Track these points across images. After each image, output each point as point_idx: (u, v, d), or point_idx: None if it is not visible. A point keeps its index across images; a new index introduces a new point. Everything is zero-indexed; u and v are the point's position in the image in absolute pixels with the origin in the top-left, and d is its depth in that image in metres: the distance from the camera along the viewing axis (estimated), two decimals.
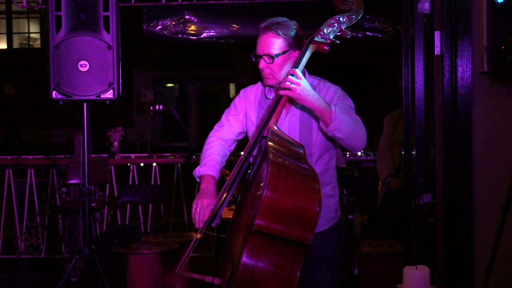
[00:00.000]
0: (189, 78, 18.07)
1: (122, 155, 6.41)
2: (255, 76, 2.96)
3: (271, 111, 2.55)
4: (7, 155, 6.44)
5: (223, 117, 2.89)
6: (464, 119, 3.50)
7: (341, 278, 3.61)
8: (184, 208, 6.34)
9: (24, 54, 21.39)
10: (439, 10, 3.53)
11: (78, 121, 5.45)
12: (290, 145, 2.49)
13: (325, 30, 2.58)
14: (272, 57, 2.64)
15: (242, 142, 2.88)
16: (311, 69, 2.74)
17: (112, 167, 6.23)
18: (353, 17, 2.60)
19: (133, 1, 5.68)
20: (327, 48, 2.59)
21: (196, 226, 2.60)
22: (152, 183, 6.37)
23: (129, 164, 6.43)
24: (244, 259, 2.26)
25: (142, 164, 6.72)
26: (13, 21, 21.98)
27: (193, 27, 6.64)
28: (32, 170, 6.16)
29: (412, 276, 2.41)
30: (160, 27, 6.65)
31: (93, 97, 2.98)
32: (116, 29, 2.97)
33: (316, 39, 2.59)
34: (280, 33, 2.64)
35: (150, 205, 6.28)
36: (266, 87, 2.78)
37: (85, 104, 3.06)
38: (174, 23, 6.63)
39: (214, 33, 6.69)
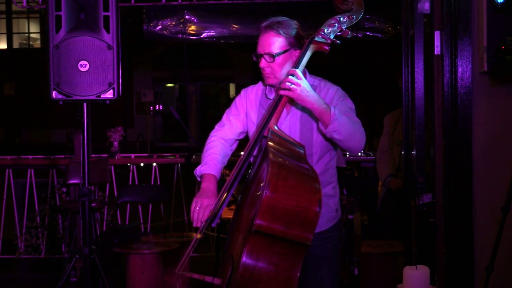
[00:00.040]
0: (189, 78, 18.06)
1: (122, 155, 6.41)
2: (255, 76, 2.96)
3: (272, 111, 2.55)
4: (7, 155, 6.43)
5: (224, 116, 2.88)
6: (464, 119, 3.50)
7: (341, 278, 3.61)
8: (184, 208, 6.32)
9: (24, 54, 21.37)
10: (439, 10, 3.53)
11: (78, 121, 5.45)
12: (291, 145, 2.49)
13: (325, 30, 2.58)
14: (273, 56, 2.64)
15: (242, 142, 2.88)
16: (312, 69, 2.74)
17: (112, 167, 6.23)
18: (353, 17, 2.60)
19: (133, 1, 5.67)
20: (327, 48, 2.59)
21: (194, 225, 2.60)
22: (152, 183, 6.36)
23: (129, 164, 6.42)
24: (244, 259, 2.26)
25: (142, 164, 6.72)
26: (13, 21, 21.96)
27: (193, 27, 6.65)
28: (32, 170, 6.15)
29: (412, 276, 2.41)
30: (160, 27, 6.65)
31: (93, 97, 2.98)
32: (116, 29, 2.97)
33: (316, 39, 2.59)
34: (281, 32, 2.64)
35: (150, 205, 6.28)
36: (267, 87, 2.78)
37: (85, 104, 3.06)
38: (174, 23, 6.63)
39: (214, 33, 6.69)
